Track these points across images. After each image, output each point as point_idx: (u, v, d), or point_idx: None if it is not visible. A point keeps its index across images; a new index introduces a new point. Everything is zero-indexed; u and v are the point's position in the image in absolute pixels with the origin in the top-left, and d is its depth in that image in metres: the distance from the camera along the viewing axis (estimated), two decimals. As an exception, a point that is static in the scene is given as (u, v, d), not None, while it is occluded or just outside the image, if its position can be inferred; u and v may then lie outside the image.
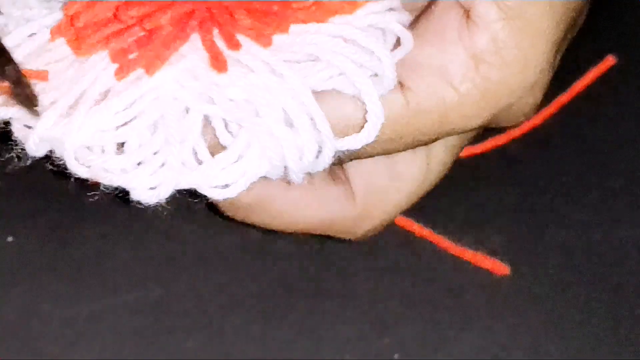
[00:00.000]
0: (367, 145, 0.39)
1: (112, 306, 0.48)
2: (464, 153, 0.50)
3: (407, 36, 0.39)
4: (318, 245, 0.50)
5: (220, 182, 0.38)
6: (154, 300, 0.48)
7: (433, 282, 0.50)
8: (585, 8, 0.41)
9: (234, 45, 0.38)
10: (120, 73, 0.37)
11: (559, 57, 0.42)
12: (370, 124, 0.38)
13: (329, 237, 0.44)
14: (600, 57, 0.55)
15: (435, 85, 0.39)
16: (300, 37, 0.38)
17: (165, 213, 0.49)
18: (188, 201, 0.50)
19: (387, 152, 0.41)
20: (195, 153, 0.38)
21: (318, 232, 0.44)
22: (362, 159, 0.41)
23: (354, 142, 0.39)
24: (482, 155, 0.47)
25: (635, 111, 0.54)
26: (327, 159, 0.38)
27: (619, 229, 0.51)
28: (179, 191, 0.38)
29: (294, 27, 0.39)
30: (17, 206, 0.50)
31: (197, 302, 0.48)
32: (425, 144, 0.41)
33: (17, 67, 0.36)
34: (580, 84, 0.54)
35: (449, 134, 0.41)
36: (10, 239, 0.49)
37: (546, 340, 0.48)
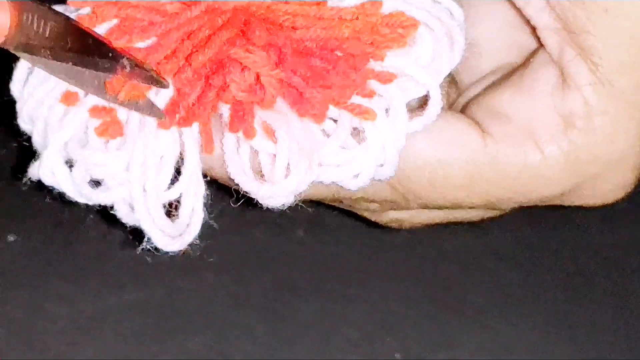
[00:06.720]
0: (440, 190, 0.37)
1: (115, 306, 0.48)
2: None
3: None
4: (320, 247, 0.50)
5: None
6: (157, 300, 0.48)
7: (434, 282, 0.50)
8: None
9: None
10: None
11: None
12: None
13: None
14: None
15: (519, 139, 0.37)
16: None
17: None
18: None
19: (457, 203, 0.38)
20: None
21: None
22: (430, 208, 0.39)
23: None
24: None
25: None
26: None
27: (621, 229, 0.51)
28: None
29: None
30: (20, 205, 0.50)
31: (200, 303, 0.48)
32: (497, 208, 0.39)
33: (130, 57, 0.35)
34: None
35: (525, 199, 0.38)
36: (12, 238, 0.49)
37: (548, 340, 0.48)
